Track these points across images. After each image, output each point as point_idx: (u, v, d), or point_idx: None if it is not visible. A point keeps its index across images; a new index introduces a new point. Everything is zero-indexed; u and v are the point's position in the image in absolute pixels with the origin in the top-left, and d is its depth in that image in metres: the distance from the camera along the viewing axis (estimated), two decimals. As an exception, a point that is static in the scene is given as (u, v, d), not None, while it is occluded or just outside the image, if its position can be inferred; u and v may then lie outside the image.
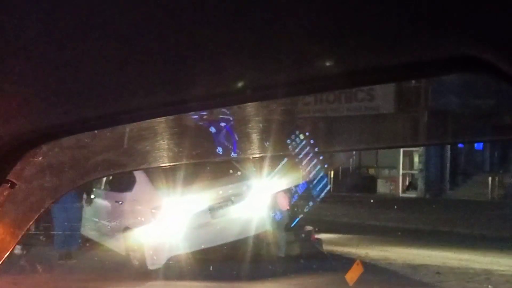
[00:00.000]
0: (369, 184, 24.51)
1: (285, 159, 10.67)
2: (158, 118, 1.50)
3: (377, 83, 1.09)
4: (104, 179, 12.91)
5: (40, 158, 1.46)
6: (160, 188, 11.16)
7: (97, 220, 13.04)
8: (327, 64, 0.98)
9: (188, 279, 10.37)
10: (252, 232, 11.50)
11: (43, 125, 1.24)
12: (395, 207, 18.96)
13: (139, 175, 11.66)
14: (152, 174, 11.46)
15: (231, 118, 1.72)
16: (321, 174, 11.73)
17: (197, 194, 11.01)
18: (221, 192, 11.43)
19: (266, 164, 11.14)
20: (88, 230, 13.65)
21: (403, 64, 0.94)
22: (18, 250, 12.99)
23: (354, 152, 26.18)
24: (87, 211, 13.31)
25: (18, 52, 1.03)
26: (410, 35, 0.89)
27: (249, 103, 1.53)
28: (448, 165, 23.85)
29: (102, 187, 12.97)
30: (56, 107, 1.18)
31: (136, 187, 11.77)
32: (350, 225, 16.13)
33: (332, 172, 23.25)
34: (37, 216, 1.66)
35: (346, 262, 10.24)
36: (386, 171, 25.40)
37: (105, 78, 1.09)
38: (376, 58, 0.94)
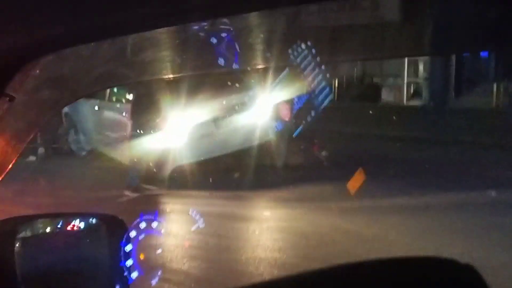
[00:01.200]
0: (373, 92, 24.39)
1: (287, 69, 10.59)
2: (159, 29, 1.48)
3: None
4: (108, 90, 12.92)
5: (39, 71, 1.46)
6: (164, 98, 11.18)
7: (102, 131, 13.15)
8: None
9: (192, 189, 10.53)
10: (254, 142, 11.59)
11: (42, 36, 1.23)
12: (400, 115, 19.00)
13: (143, 86, 11.65)
14: (156, 85, 11.44)
15: (232, 28, 1.70)
16: (324, 84, 11.66)
17: (201, 105, 11.03)
18: (224, 102, 11.46)
19: (269, 74, 11.09)
20: (94, 141, 13.80)
21: None
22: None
23: (358, 61, 26.00)
24: (93, 122, 13.42)
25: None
26: None
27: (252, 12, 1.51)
28: (453, 73, 23.68)
29: (107, 98, 12.99)
30: (54, 18, 1.17)
31: (140, 98, 11.77)
32: (354, 135, 16.21)
33: (336, 82, 23.11)
34: (37, 129, 1.67)
35: (348, 171, 10.33)
36: (391, 80, 25.25)
37: None
38: None
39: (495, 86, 22.41)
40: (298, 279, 1.01)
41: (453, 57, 23.65)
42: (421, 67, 24.31)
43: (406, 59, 24.37)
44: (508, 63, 23.98)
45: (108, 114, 12.88)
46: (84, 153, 14.39)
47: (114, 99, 12.85)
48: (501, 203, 9.03)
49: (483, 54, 24.96)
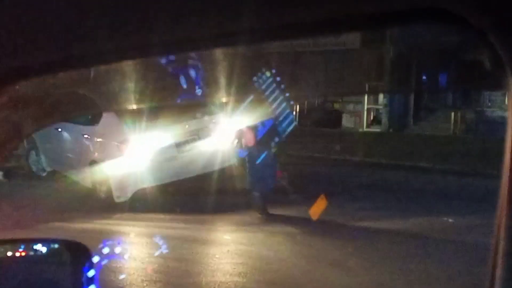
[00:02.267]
0: (334, 118, 24.65)
1: (252, 95, 10.68)
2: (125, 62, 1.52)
3: (344, 31, 1.12)
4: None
5: (6, 98, 1.48)
6: (127, 121, 11.17)
7: (63, 152, 13.04)
8: (294, 12, 1.01)
9: (154, 212, 10.50)
10: (217, 166, 11.63)
11: (8, 66, 1.26)
12: (360, 141, 19.23)
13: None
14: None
15: (198, 63, 1.76)
16: (288, 110, 11.74)
17: (163, 129, 11.05)
18: (187, 126, 11.49)
19: (233, 100, 11.17)
20: (55, 162, 13.66)
21: (370, 13, 0.97)
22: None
23: (319, 87, 26.26)
24: (54, 143, 13.30)
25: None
26: None
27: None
28: (412, 100, 24.08)
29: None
30: (23, 49, 1.20)
31: (103, 121, 11.75)
32: (315, 159, 16.34)
33: (297, 107, 23.32)
34: (4, 155, 1.69)
35: (310, 196, 10.42)
36: (351, 106, 25.55)
37: (72, 20, 1.11)
38: (344, 6, 0.97)
39: (452, 114, 22.84)
40: None
41: (413, 84, 24.06)
42: (381, 94, 24.67)
43: (366, 86, 24.73)
44: (466, 92, 24.47)
45: (70, 135, 12.78)
46: (44, 174, 14.24)
47: (76, 120, 12.77)
48: (457, 227, 9.21)
49: (441, 82, 25.46)
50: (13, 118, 1.64)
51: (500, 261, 0.99)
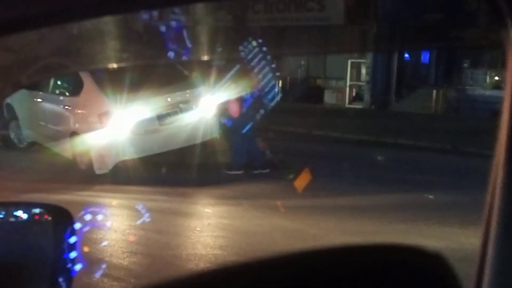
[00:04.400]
0: (316, 94, 24.66)
1: (237, 66, 10.63)
2: (106, 18, 1.48)
3: None
4: (51, 83, 12.72)
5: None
6: (108, 93, 11.09)
7: (44, 124, 12.94)
8: None
9: (135, 185, 10.48)
10: (199, 139, 11.60)
11: None
12: (341, 117, 19.27)
13: (87, 80, 11.54)
14: (100, 79, 11.34)
15: (182, 19, 1.71)
16: (272, 83, 11.72)
17: (145, 101, 10.99)
18: (169, 99, 11.42)
19: (217, 70, 11.12)
20: (35, 133, 13.56)
21: None
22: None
23: (302, 62, 26.24)
24: (34, 114, 13.21)
25: None
26: None
27: (198, 4, 1.52)
28: (395, 77, 24.12)
29: (50, 90, 12.79)
30: (2, 2, 1.17)
31: (84, 92, 11.66)
32: (297, 135, 16.36)
33: (280, 82, 23.32)
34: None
35: (294, 170, 10.46)
36: (334, 82, 25.57)
37: None
38: None
39: (434, 92, 22.95)
40: (246, 267, 0.98)
41: (395, 62, 24.13)
42: (363, 71, 24.71)
43: (349, 62, 24.75)
44: (448, 69, 24.59)
45: (51, 106, 12.67)
46: (24, 145, 14.14)
47: (57, 91, 12.65)
48: (437, 203, 9.30)
49: (424, 59, 25.53)
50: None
51: (495, 218, 0.99)
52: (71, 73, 10.24)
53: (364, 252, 1.02)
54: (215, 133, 11.88)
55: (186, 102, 11.59)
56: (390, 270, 0.99)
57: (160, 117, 11.35)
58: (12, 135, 14.42)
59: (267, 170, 11.19)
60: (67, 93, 12.36)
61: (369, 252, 1.03)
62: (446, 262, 0.99)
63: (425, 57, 25.65)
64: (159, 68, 11.62)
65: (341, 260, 0.99)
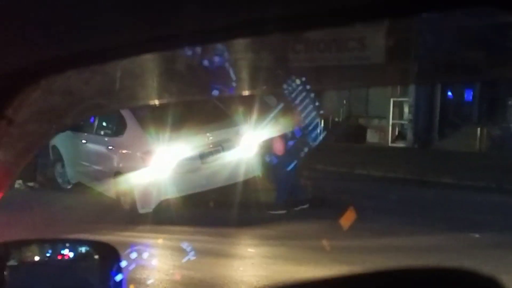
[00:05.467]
0: (358, 133, 24.55)
1: (281, 104, 10.66)
2: (149, 55, 1.50)
3: (378, 17, 1.08)
4: (95, 124, 12.93)
5: (36, 96, 1.47)
6: (151, 132, 11.21)
7: (88, 164, 13.11)
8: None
9: (177, 224, 10.49)
10: (241, 177, 11.59)
11: (42, 59, 1.25)
12: (384, 156, 19.10)
13: (130, 120, 11.70)
14: (142, 118, 11.49)
15: (225, 56, 1.72)
16: (316, 120, 11.70)
17: (187, 139, 11.06)
18: (211, 137, 11.48)
19: (260, 108, 11.17)
20: (79, 174, 13.74)
21: None
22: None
23: (344, 101, 26.18)
24: (79, 155, 13.41)
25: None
26: None
27: (240, 45, 1.53)
28: (438, 115, 23.88)
29: (94, 131, 12.99)
30: (48, 42, 1.19)
31: (127, 132, 11.80)
32: (339, 173, 16.25)
33: (322, 121, 23.28)
34: (32, 154, 1.67)
35: (338, 209, 10.35)
36: (376, 121, 25.42)
37: (97, 12, 1.10)
38: None
39: (478, 129, 22.63)
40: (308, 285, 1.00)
41: (438, 100, 23.92)
42: (406, 109, 24.51)
43: (391, 101, 24.61)
44: (491, 107, 24.28)
45: (95, 147, 12.86)
46: (69, 186, 14.33)
47: (101, 132, 12.85)
48: (483, 244, 9.09)
49: (467, 98, 25.27)
50: (45, 117, 1.63)
51: None
52: (113, 111, 10.38)
53: (422, 275, 1.06)
54: (257, 172, 11.86)
55: (228, 140, 11.64)
56: None
57: (202, 156, 11.41)
58: (58, 177, 14.63)
59: (307, 205, 11.14)
60: (110, 134, 12.54)
61: (427, 274, 1.07)
62: (501, 285, 1.02)
63: (468, 94, 25.38)
64: (201, 106, 11.72)
65: (401, 281, 1.03)
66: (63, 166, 14.49)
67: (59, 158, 14.49)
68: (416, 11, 1.04)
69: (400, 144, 23.95)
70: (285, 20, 1.05)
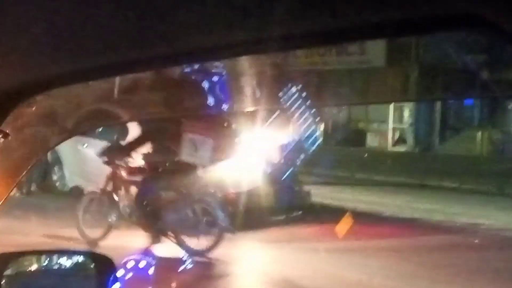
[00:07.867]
0: (358, 137, 24.53)
1: (277, 113, 10.67)
2: (152, 70, 1.50)
3: (374, 38, 1.09)
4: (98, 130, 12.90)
5: (33, 109, 1.48)
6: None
7: (87, 168, 13.09)
8: (323, 18, 0.99)
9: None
10: (242, 188, 11.53)
11: (37, 76, 1.25)
12: (384, 160, 19.09)
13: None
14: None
15: (223, 72, 1.74)
16: (313, 128, 11.70)
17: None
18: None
19: (258, 117, 11.14)
20: (77, 178, 13.73)
21: (403, 19, 0.95)
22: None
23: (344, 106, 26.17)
24: (79, 159, 13.38)
25: (14, 3, 1.05)
26: None
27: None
28: (438, 119, 23.89)
29: (94, 136, 12.95)
30: (49, 59, 1.20)
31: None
32: (339, 178, 16.24)
33: (322, 126, 23.26)
34: (30, 166, 1.68)
35: (335, 214, 10.35)
36: (376, 125, 25.40)
37: (98, 30, 1.11)
38: (375, 12, 0.94)
39: (479, 133, 22.63)
40: None
41: (438, 104, 23.90)
42: (406, 113, 24.51)
43: (391, 105, 24.59)
44: (492, 111, 24.27)
45: (95, 152, 12.81)
46: (66, 189, 14.29)
47: (102, 137, 12.82)
48: (484, 246, 9.11)
49: (468, 101, 25.27)
50: (41, 131, 1.64)
51: None
52: (119, 123, 10.39)
53: None
54: (257, 180, 11.80)
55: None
56: None
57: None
58: (56, 179, 14.59)
59: (301, 211, 11.16)
60: (111, 139, 12.49)
61: None
62: None
63: (468, 98, 25.40)
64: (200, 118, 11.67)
65: None
66: (61, 169, 14.46)
67: (57, 161, 14.45)
68: (409, 33, 1.05)
69: (400, 148, 23.95)
70: (287, 39, 1.06)
